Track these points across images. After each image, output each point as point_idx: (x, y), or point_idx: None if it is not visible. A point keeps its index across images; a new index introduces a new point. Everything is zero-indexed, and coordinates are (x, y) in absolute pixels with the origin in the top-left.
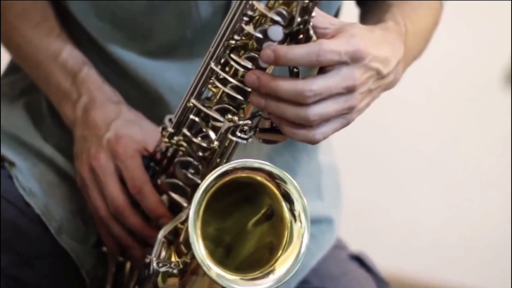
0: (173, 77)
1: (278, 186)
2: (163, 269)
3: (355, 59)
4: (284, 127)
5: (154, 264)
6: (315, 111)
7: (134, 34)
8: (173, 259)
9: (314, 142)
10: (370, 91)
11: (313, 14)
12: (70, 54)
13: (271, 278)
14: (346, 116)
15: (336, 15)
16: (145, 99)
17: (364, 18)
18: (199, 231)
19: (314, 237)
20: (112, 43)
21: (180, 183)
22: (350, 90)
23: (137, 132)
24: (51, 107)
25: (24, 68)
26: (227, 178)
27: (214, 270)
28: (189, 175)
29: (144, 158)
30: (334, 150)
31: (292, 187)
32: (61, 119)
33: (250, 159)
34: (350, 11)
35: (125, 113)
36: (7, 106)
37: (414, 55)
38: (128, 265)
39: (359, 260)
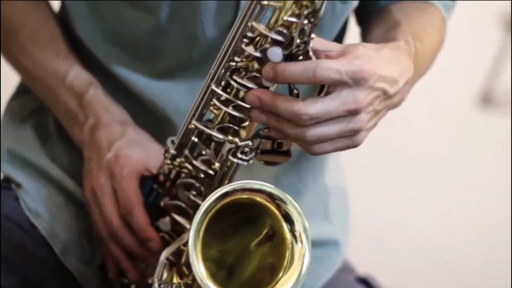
0: (180, 99)
1: (278, 207)
2: None
3: (357, 81)
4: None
5: (156, 285)
6: (313, 132)
7: (141, 56)
8: (175, 280)
9: (312, 154)
10: (376, 112)
11: (312, 35)
12: (76, 75)
13: None
14: (352, 137)
15: (341, 35)
16: (152, 121)
17: (368, 35)
18: (199, 252)
19: (320, 260)
20: (119, 66)
21: (183, 205)
22: (353, 113)
23: (139, 153)
24: (59, 128)
25: (33, 90)
26: (227, 200)
27: None
28: (192, 196)
29: (147, 179)
30: (343, 172)
31: (292, 207)
32: (69, 140)
33: (251, 181)
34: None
35: (130, 133)
36: (16, 127)
37: (421, 74)
38: (132, 287)
39: (366, 283)
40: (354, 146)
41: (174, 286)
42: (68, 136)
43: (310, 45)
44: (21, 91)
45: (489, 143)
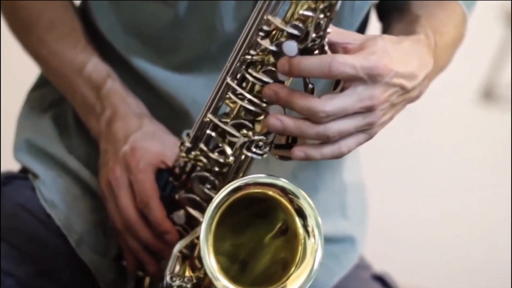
0: (198, 91)
1: (291, 202)
2: (176, 283)
3: (372, 77)
4: (311, 152)
5: (168, 278)
6: (333, 128)
7: (160, 49)
8: (187, 273)
9: (340, 156)
10: (393, 106)
11: (329, 30)
12: (94, 67)
13: None
14: (367, 131)
15: (361, 31)
16: (170, 113)
17: (388, 31)
18: (211, 246)
19: (336, 256)
20: (138, 58)
21: (198, 198)
22: (369, 110)
23: (155, 145)
24: (77, 120)
25: (51, 81)
26: (240, 194)
27: (222, 282)
28: (206, 190)
29: (162, 172)
30: (361, 168)
31: (305, 202)
32: (87, 132)
33: (262, 175)
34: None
35: (146, 125)
36: (36, 118)
37: (440, 68)
38: (147, 280)
39: (381, 281)
40: (370, 138)
41: (186, 279)
42: (86, 128)
43: (326, 39)
44: (42, 82)
45: (491, 138)
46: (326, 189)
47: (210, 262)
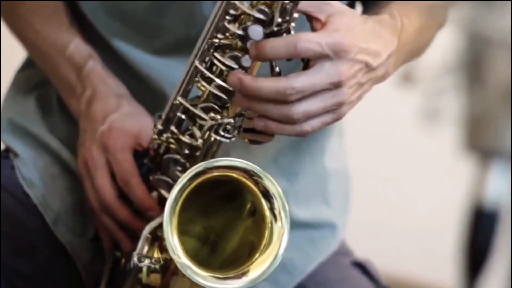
0: (176, 76)
1: (256, 184)
2: (143, 264)
3: (337, 53)
4: (271, 125)
5: (135, 258)
6: (299, 109)
7: (141, 32)
8: (155, 255)
9: (303, 135)
10: (360, 85)
11: (295, 15)
12: (76, 47)
13: (244, 280)
14: (336, 111)
15: None
16: (150, 96)
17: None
18: (175, 227)
19: (314, 242)
20: (120, 40)
21: (170, 180)
22: (336, 86)
23: (133, 126)
24: (61, 102)
25: (36, 62)
26: (204, 177)
27: (183, 260)
28: (177, 172)
29: (138, 153)
30: (346, 156)
31: (270, 183)
32: (70, 113)
33: (224, 158)
34: None
35: (125, 106)
36: (21, 99)
37: (412, 52)
38: (123, 261)
39: (362, 268)
40: (339, 119)
41: (153, 260)
42: (69, 110)
43: (293, 24)
44: (28, 64)
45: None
46: (307, 175)
47: (173, 243)
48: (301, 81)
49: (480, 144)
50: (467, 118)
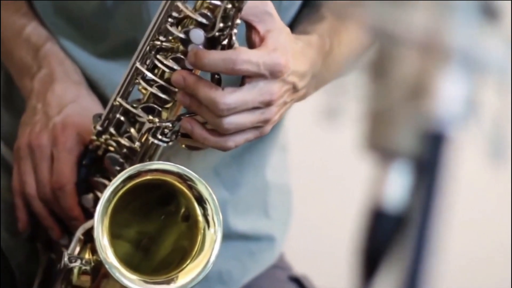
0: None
1: (190, 188)
2: (74, 264)
3: (273, 73)
4: (197, 130)
5: (66, 259)
6: (230, 121)
7: (88, 34)
8: (87, 256)
9: (225, 149)
10: (285, 104)
11: (238, 21)
12: (34, 29)
13: (172, 286)
14: (260, 128)
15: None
16: None
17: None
18: (105, 228)
19: (252, 254)
20: (66, 40)
21: (106, 182)
22: (267, 104)
23: (87, 124)
24: (4, 98)
25: None
26: (138, 180)
27: (112, 261)
28: (116, 173)
29: (86, 152)
30: (288, 171)
31: (203, 187)
32: (13, 110)
33: (157, 161)
34: None
35: (83, 98)
36: None
37: (336, 73)
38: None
39: (298, 283)
40: (261, 136)
41: (84, 261)
42: (14, 106)
43: (235, 30)
44: None
45: None
46: (248, 186)
47: (103, 242)
48: (235, 97)
49: (381, 143)
50: (369, 117)
